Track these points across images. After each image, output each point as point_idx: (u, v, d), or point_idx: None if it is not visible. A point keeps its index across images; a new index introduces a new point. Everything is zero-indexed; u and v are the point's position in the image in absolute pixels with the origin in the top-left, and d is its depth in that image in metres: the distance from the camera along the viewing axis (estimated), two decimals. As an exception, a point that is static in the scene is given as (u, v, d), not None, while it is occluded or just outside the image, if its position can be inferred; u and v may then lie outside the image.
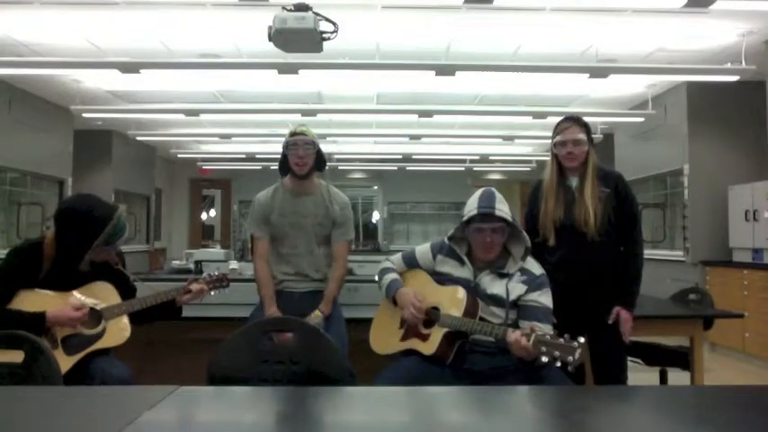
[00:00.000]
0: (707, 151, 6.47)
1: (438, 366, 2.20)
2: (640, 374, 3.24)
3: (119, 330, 2.39)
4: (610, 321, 2.51)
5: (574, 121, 2.61)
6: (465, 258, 2.36)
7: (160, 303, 2.53)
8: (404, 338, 2.34)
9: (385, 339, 2.40)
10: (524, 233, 2.33)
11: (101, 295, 2.42)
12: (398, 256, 2.57)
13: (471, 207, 2.30)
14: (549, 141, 2.65)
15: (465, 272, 2.35)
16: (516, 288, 2.27)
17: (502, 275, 2.30)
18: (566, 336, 1.88)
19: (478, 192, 2.35)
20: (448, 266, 2.40)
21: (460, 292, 2.26)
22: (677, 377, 3.32)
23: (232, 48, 5.41)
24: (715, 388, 2.19)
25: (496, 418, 1.33)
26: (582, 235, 2.51)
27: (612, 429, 1.23)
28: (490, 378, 2.18)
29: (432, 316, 2.29)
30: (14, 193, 7.25)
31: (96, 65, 5.23)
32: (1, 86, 6.42)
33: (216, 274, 2.78)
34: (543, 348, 1.89)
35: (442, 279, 2.39)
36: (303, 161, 2.67)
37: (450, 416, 1.35)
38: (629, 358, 2.82)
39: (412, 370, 2.19)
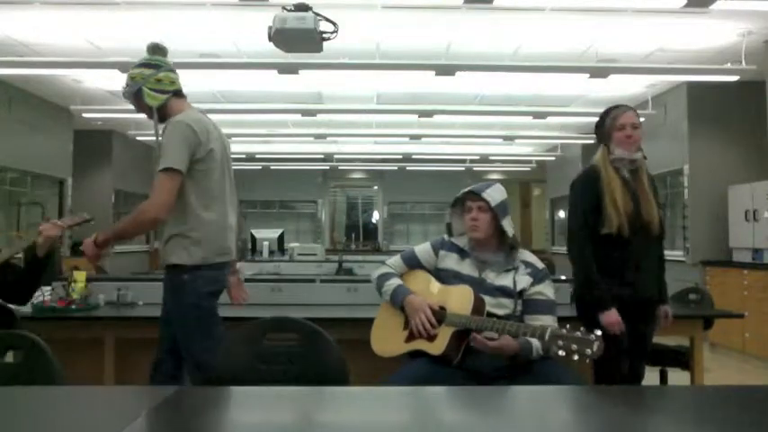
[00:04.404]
0: (707, 151, 6.48)
1: (445, 367, 2.18)
2: (640, 374, 3.25)
3: None
4: (663, 319, 2.62)
5: (629, 108, 2.61)
6: (467, 250, 2.38)
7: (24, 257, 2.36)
8: (408, 339, 2.30)
9: (388, 341, 2.37)
10: (507, 221, 2.35)
11: None
12: (397, 257, 2.53)
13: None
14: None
15: (468, 266, 2.36)
16: (522, 280, 2.30)
17: (507, 270, 2.33)
18: (582, 329, 1.89)
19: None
20: (450, 261, 2.40)
21: (467, 291, 2.25)
22: (677, 377, 3.32)
23: (232, 48, 5.41)
24: (715, 388, 2.19)
25: (497, 418, 1.33)
26: (648, 228, 2.52)
27: (612, 429, 1.23)
28: (496, 378, 2.18)
29: (438, 316, 2.27)
30: (14, 193, 7.26)
31: (96, 65, 5.23)
32: (1, 86, 6.42)
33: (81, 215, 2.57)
34: (560, 342, 1.91)
35: (446, 277, 2.38)
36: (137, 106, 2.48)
37: (450, 416, 1.35)
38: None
39: (421, 373, 2.15)
